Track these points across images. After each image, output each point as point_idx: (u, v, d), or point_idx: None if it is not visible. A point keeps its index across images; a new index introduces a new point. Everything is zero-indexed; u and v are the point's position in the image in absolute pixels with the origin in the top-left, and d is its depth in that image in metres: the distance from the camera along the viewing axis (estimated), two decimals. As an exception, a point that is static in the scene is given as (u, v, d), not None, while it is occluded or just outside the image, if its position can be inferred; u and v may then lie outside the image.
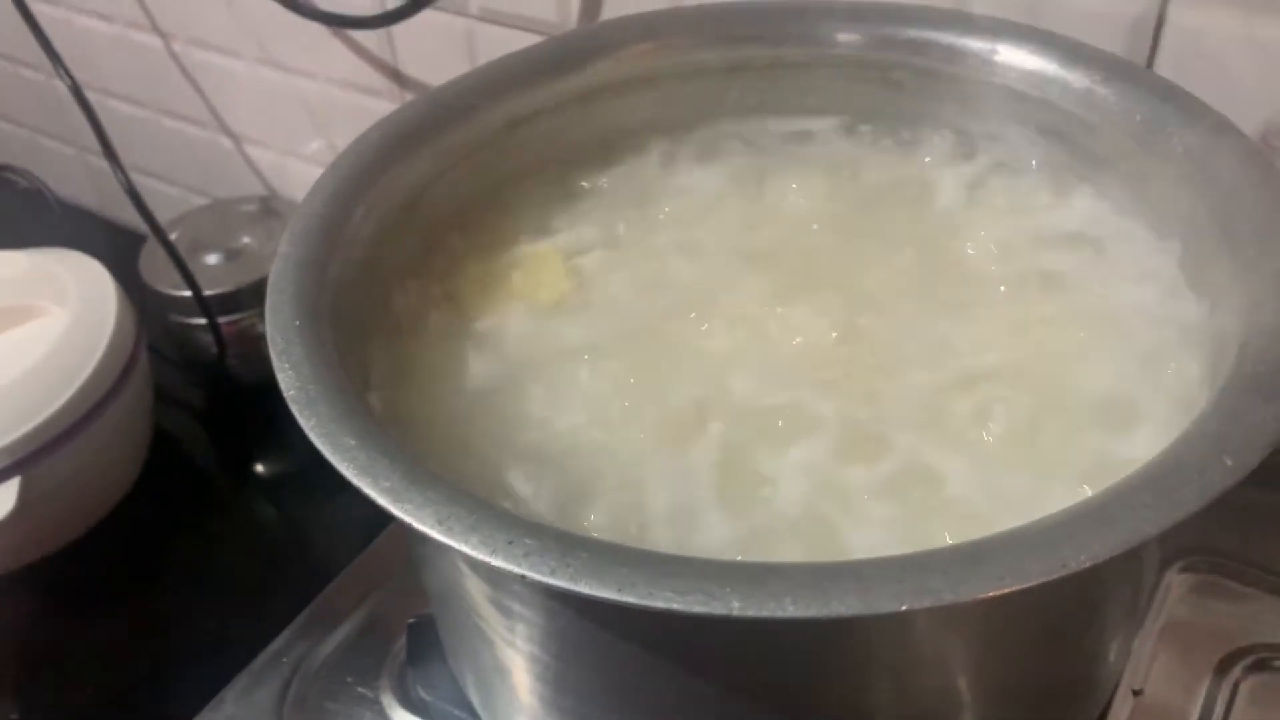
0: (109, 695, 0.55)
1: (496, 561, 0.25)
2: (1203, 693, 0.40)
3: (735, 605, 0.23)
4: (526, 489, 0.33)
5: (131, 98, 0.83)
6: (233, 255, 0.70)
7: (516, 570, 0.25)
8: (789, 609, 0.23)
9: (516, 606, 0.31)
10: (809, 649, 0.28)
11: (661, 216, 0.42)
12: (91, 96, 0.66)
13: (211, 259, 0.70)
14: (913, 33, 0.42)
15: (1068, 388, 0.34)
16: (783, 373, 0.36)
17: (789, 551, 0.31)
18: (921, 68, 0.43)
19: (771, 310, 0.38)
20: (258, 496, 0.68)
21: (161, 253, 0.65)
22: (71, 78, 0.65)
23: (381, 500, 0.27)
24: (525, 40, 0.55)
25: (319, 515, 0.63)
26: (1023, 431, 0.33)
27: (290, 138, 0.75)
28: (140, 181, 0.68)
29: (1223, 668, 0.41)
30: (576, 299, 0.40)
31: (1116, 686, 0.40)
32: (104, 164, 0.66)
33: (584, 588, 0.24)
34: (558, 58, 0.44)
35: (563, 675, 0.32)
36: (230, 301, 0.68)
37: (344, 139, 0.39)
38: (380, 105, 0.67)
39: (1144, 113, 0.38)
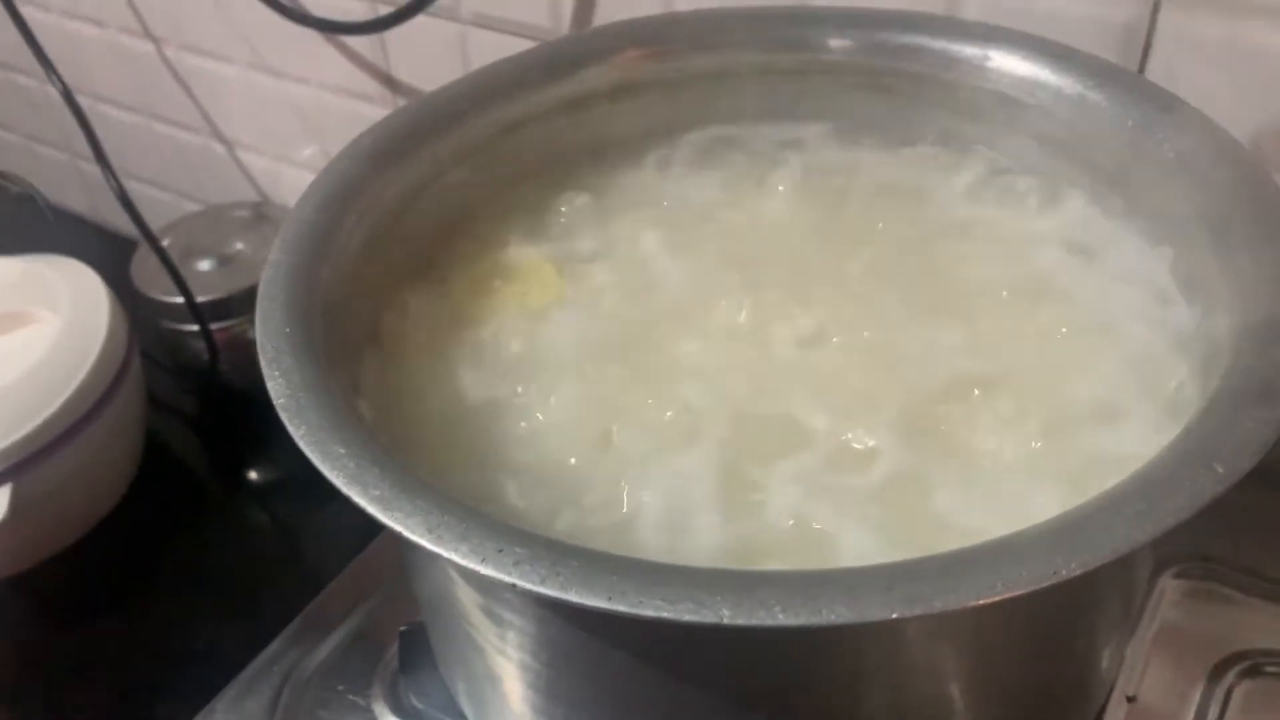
0: (101, 703, 0.55)
1: (486, 570, 0.25)
2: (1196, 698, 0.40)
3: (725, 614, 0.23)
4: (517, 496, 0.33)
5: (124, 103, 0.83)
6: (225, 261, 0.70)
7: (507, 579, 0.25)
8: (779, 617, 0.23)
9: (507, 614, 0.31)
10: (800, 657, 0.28)
11: (654, 222, 0.42)
12: (84, 102, 0.66)
13: (204, 265, 0.70)
14: (905, 39, 0.43)
15: (1059, 394, 0.34)
16: (776, 379, 0.36)
17: (780, 560, 0.31)
18: (914, 73, 0.43)
19: (764, 316, 0.38)
20: (250, 503, 0.67)
21: (154, 259, 0.65)
22: (63, 83, 0.65)
23: (371, 509, 0.27)
24: (518, 46, 0.54)
25: (311, 522, 0.63)
26: (1014, 438, 0.33)
27: (283, 143, 0.75)
28: (132, 187, 0.68)
29: (1216, 673, 0.41)
30: (568, 305, 0.39)
31: (1110, 693, 0.40)
32: (96, 170, 0.66)
33: (574, 596, 0.24)
34: (550, 64, 0.44)
35: (554, 683, 0.32)
36: (222, 308, 0.68)
37: (337, 145, 0.39)
38: (373, 111, 0.67)
39: (1136, 118, 0.38)
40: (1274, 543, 0.45)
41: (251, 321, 0.33)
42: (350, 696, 0.44)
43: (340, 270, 0.36)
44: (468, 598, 0.32)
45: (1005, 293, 0.38)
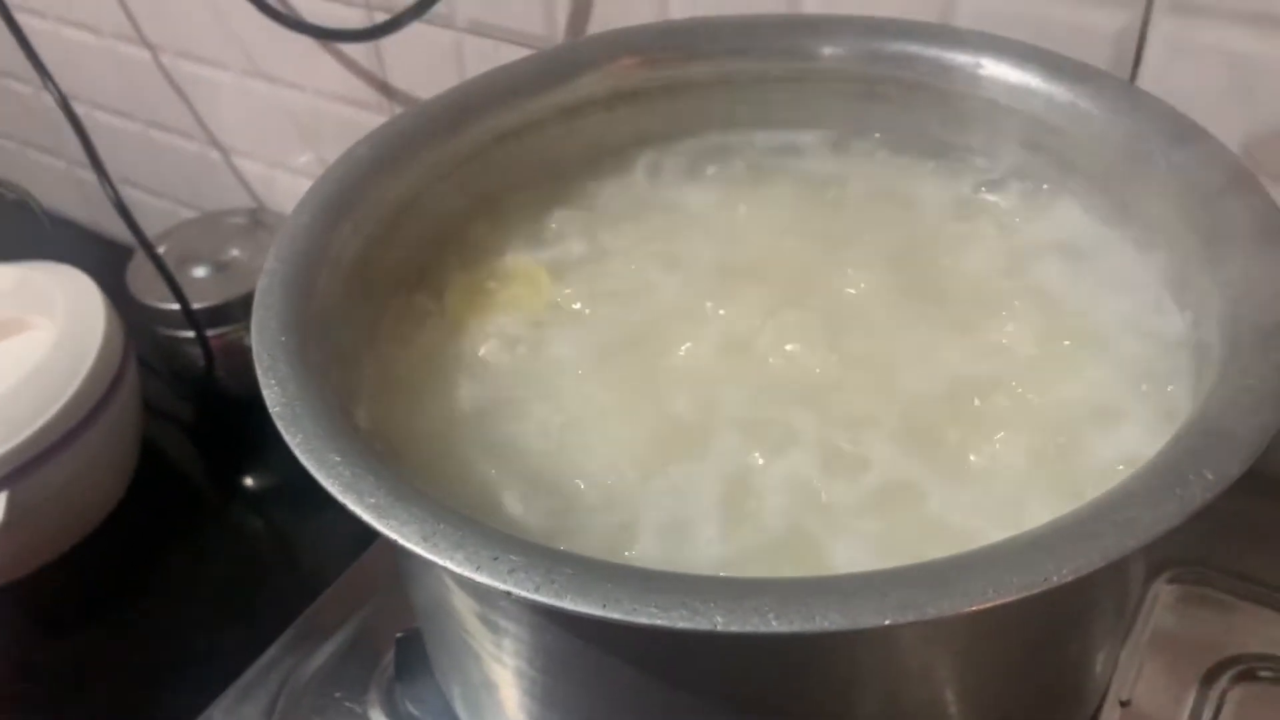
0: (97, 709, 0.55)
1: (481, 578, 0.25)
2: (1190, 703, 0.40)
3: (719, 621, 0.23)
4: (514, 504, 0.33)
5: (119, 110, 0.83)
6: (221, 268, 0.70)
7: (502, 586, 0.25)
8: (772, 624, 0.23)
9: (503, 622, 0.31)
10: (794, 663, 0.28)
11: (648, 230, 0.42)
12: (79, 109, 0.66)
13: (200, 272, 0.70)
14: (898, 47, 0.43)
15: (1052, 400, 0.34)
16: (770, 387, 0.36)
17: (775, 567, 0.31)
18: (907, 81, 0.43)
19: (758, 324, 0.38)
20: (246, 510, 0.68)
21: (149, 266, 0.65)
22: (59, 90, 0.65)
23: (367, 516, 0.27)
24: (513, 53, 0.55)
25: (307, 528, 0.63)
26: (1006, 444, 0.33)
27: (279, 150, 0.75)
28: (128, 194, 0.68)
29: (1210, 678, 0.41)
30: (563, 313, 0.40)
31: (1104, 697, 0.40)
32: (92, 176, 0.66)
33: (569, 603, 0.24)
34: (545, 72, 0.44)
35: (550, 690, 0.32)
36: (218, 314, 0.68)
37: (332, 151, 0.40)
38: (369, 118, 0.67)
39: (1127, 126, 0.38)
40: (1267, 547, 0.45)
41: (247, 328, 0.33)
42: (346, 703, 0.44)
43: (336, 278, 0.36)
44: (463, 605, 0.32)
45: (999, 300, 0.38)
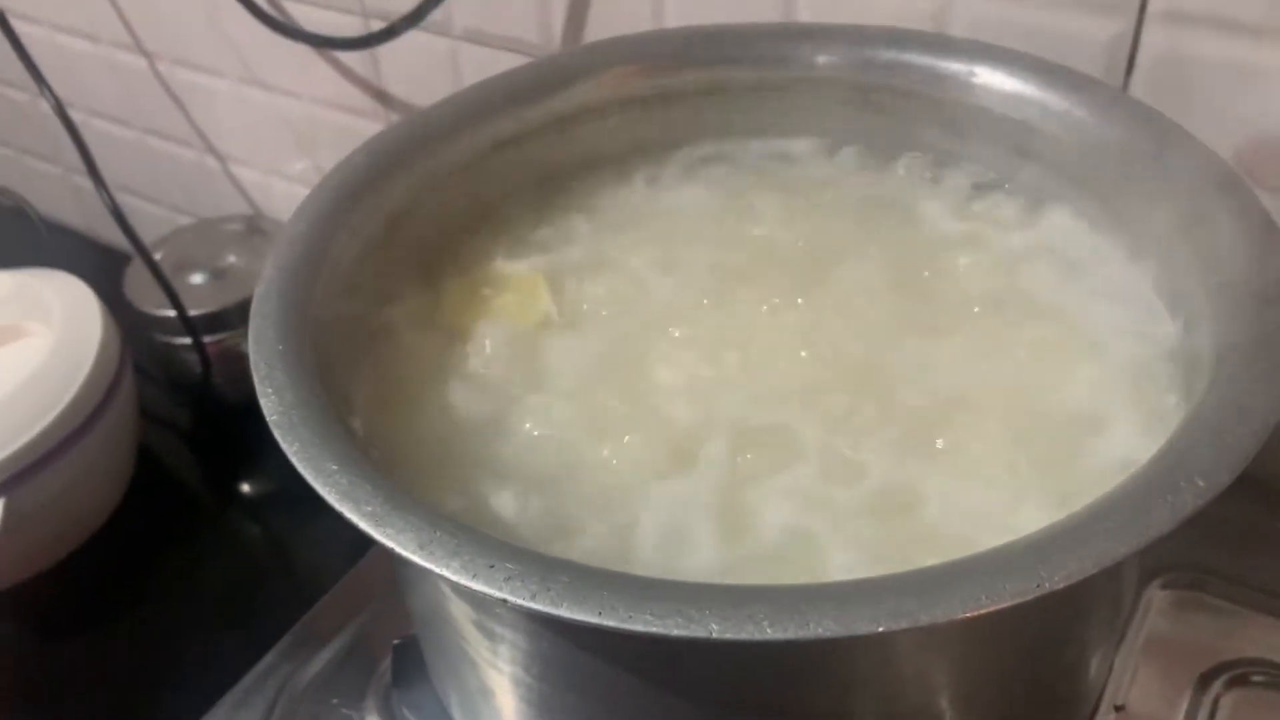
0: (94, 716, 0.55)
1: (477, 586, 0.25)
2: (1184, 708, 0.40)
3: (714, 628, 0.24)
4: (510, 511, 0.33)
5: (116, 117, 0.83)
6: (218, 275, 0.70)
7: (498, 594, 0.25)
8: (767, 631, 0.23)
9: (499, 629, 0.31)
10: (789, 670, 0.28)
11: (644, 237, 0.43)
12: (76, 116, 0.67)
13: (196, 279, 0.70)
14: (892, 55, 0.43)
15: (1045, 407, 0.34)
16: (766, 394, 0.36)
17: (772, 573, 0.31)
18: (901, 89, 0.43)
19: (754, 330, 0.38)
20: (243, 516, 0.68)
21: (146, 272, 0.65)
22: (56, 97, 0.65)
23: (364, 525, 0.27)
24: (509, 61, 0.55)
25: (304, 535, 0.63)
26: (999, 451, 0.33)
27: (275, 157, 0.75)
28: (125, 201, 0.68)
29: (1204, 683, 0.41)
30: (560, 320, 0.40)
31: (1099, 702, 0.40)
32: (88, 183, 0.66)
33: (564, 611, 0.25)
34: (541, 80, 0.44)
35: (546, 697, 0.32)
36: (215, 321, 0.68)
37: (329, 159, 0.40)
38: (365, 125, 0.67)
39: (1119, 134, 0.38)
40: (1261, 552, 0.45)
41: (244, 335, 0.33)
42: (344, 710, 0.44)
43: (333, 287, 0.36)
44: (460, 612, 0.32)
45: (993, 306, 0.38)
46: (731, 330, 0.38)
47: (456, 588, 0.27)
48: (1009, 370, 0.36)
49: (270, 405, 0.30)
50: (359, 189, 0.39)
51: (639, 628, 0.24)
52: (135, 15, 0.75)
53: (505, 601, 0.25)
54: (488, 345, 0.39)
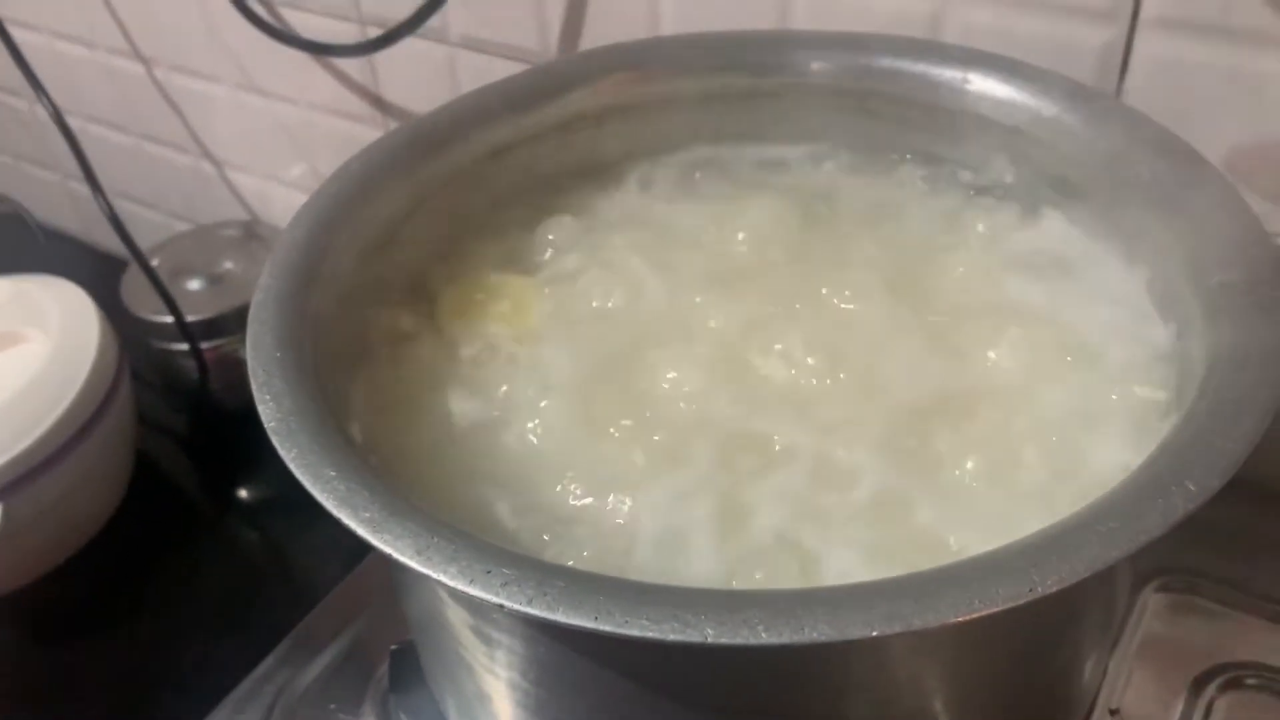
0: (92, 722, 0.55)
1: (474, 591, 0.25)
2: (1178, 711, 0.40)
3: (709, 633, 0.24)
4: (506, 517, 0.33)
5: (113, 123, 0.83)
6: (215, 280, 0.70)
7: (494, 599, 0.25)
8: (762, 636, 0.24)
9: (496, 634, 0.31)
10: (785, 674, 0.28)
11: (639, 242, 0.43)
12: (73, 122, 0.67)
13: (194, 284, 0.70)
14: (886, 62, 0.43)
15: (1037, 411, 0.35)
16: (761, 399, 0.36)
17: (767, 578, 0.31)
18: (895, 96, 0.43)
19: (749, 336, 0.38)
20: (240, 522, 0.68)
21: (143, 278, 0.65)
22: (53, 104, 0.65)
23: (361, 531, 0.27)
24: (506, 68, 0.55)
25: (302, 541, 0.64)
26: (992, 456, 0.33)
27: (272, 163, 0.76)
28: (122, 207, 0.68)
29: (1198, 686, 0.41)
30: (555, 326, 0.40)
31: (1093, 705, 0.40)
32: (86, 189, 0.66)
33: (561, 616, 0.25)
34: (537, 87, 0.45)
35: (543, 702, 0.32)
36: (213, 327, 0.68)
37: (326, 164, 0.40)
38: (362, 131, 0.67)
39: (1112, 140, 0.38)
40: (1255, 556, 0.45)
41: (241, 341, 0.33)
42: (341, 715, 0.44)
43: (330, 293, 0.36)
44: (457, 618, 0.32)
45: (986, 311, 0.38)
46: (726, 336, 0.38)
47: (453, 593, 0.27)
48: (1002, 374, 0.36)
49: (268, 412, 0.30)
50: (356, 196, 0.39)
51: (635, 632, 0.24)
52: (132, 22, 0.75)
53: (502, 606, 0.25)
54: (484, 351, 0.39)
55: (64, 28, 0.79)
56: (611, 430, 0.36)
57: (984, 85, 0.42)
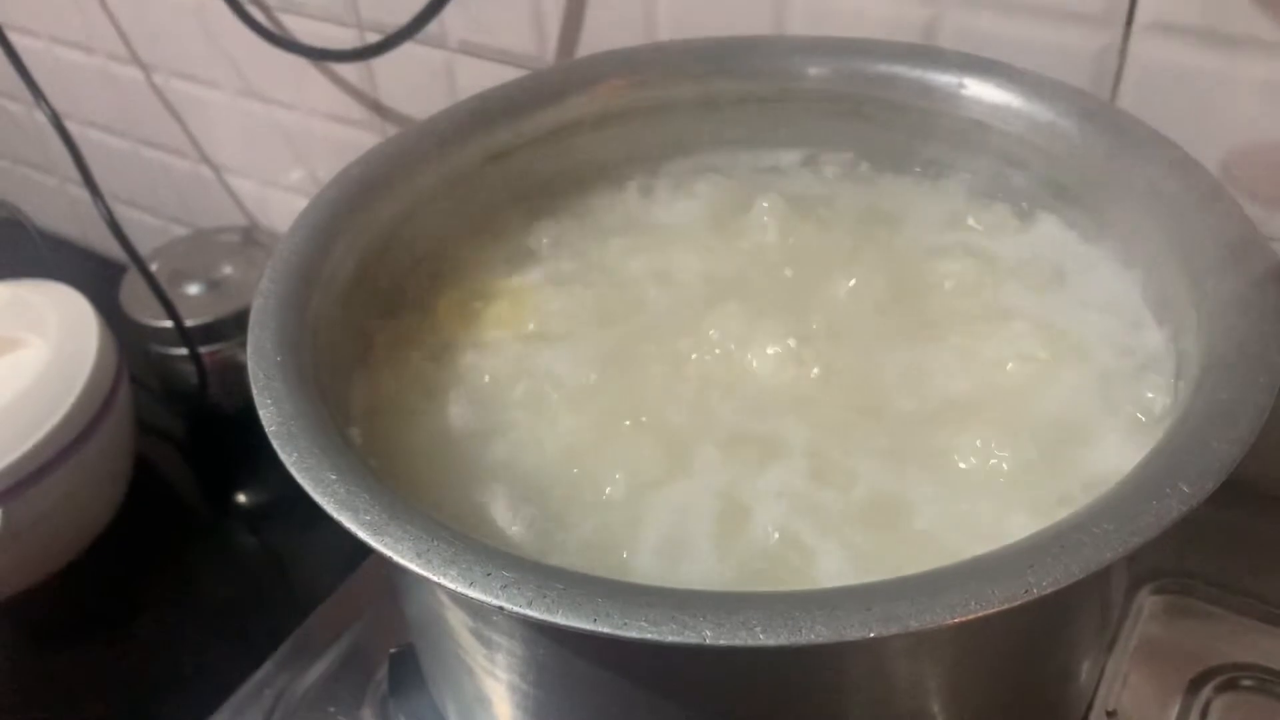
0: (91, 726, 0.55)
1: (474, 593, 0.26)
2: (1175, 712, 0.41)
3: (708, 634, 0.24)
4: (506, 520, 0.33)
5: (112, 128, 0.83)
6: (214, 285, 0.71)
7: (494, 602, 0.25)
8: (760, 637, 0.24)
9: (496, 637, 0.31)
10: (782, 675, 0.29)
11: (637, 247, 0.43)
12: (72, 127, 0.67)
13: (193, 289, 0.70)
14: (882, 68, 0.43)
15: (1033, 414, 0.35)
16: (757, 402, 0.37)
17: (767, 579, 0.31)
18: (891, 101, 0.44)
19: (745, 340, 0.38)
20: (239, 526, 0.68)
21: (142, 283, 0.65)
22: (52, 109, 0.65)
23: (362, 534, 0.27)
24: (504, 73, 0.55)
25: (301, 545, 0.64)
26: (990, 458, 0.34)
27: (271, 168, 0.76)
28: (121, 212, 0.68)
29: (1194, 687, 0.41)
30: (554, 330, 0.40)
31: (1091, 706, 0.40)
32: (85, 194, 0.66)
33: (560, 618, 0.25)
34: (535, 93, 0.45)
35: (543, 704, 0.32)
36: (211, 331, 0.68)
37: (325, 169, 0.40)
38: (361, 136, 0.67)
39: (1106, 145, 0.39)
40: (1251, 558, 0.45)
41: (240, 345, 0.33)
42: (341, 719, 0.44)
43: (330, 298, 0.37)
44: (457, 620, 0.32)
45: (982, 315, 0.39)
46: (724, 339, 0.39)
47: (454, 595, 0.27)
48: (998, 378, 0.36)
49: (269, 416, 0.30)
50: (355, 201, 0.39)
51: (634, 634, 0.24)
52: (131, 27, 0.75)
53: (502, 609, 0.25)
54: (482, 354, 0.39)
55: (63, 33, 0.79)
56: (610, 433, 0.36)
57: (980, 90, 0.42)
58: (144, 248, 0.67)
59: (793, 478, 0.34)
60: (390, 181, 0.40)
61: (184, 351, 0.67)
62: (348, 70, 0.66)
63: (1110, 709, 0.40)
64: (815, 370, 0.37)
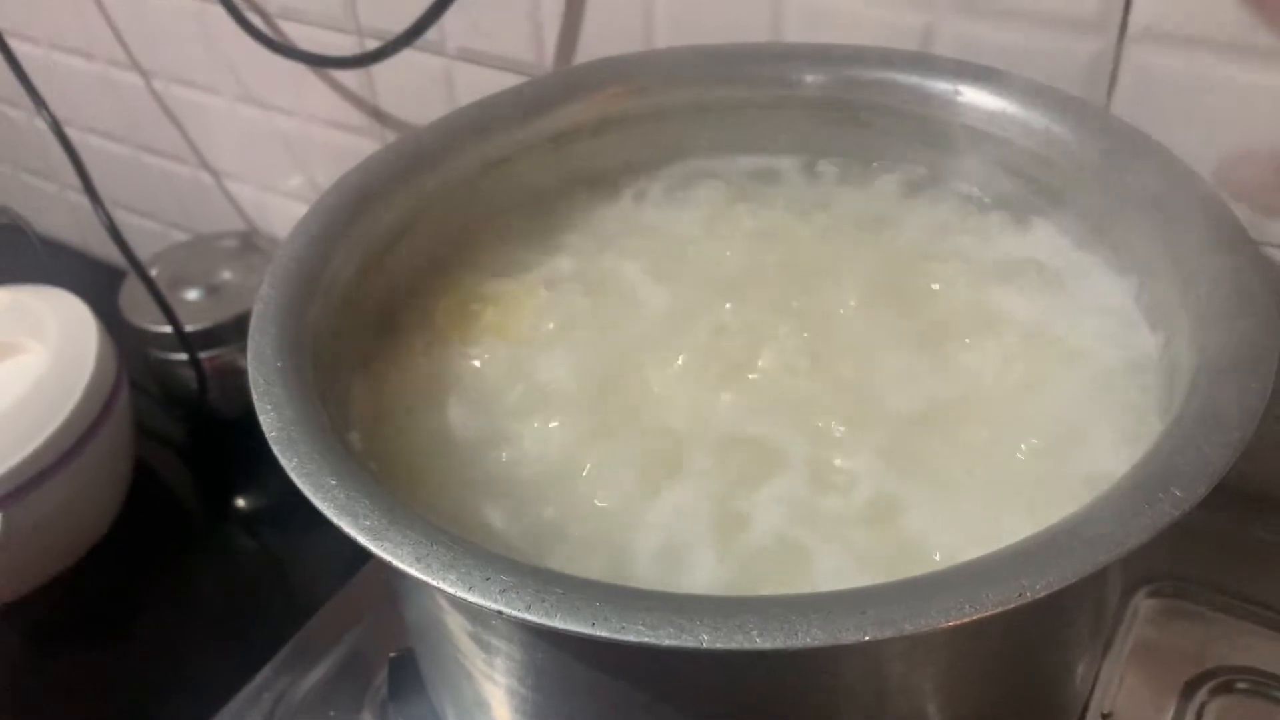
0: (90, 731, 0.55)
1: (473, 598, 0.26)
2: (1170, 714, 0.41)
3: (704, 638, 0.24)
4: (505, 524, 0.34)
5: (112, 134, 0.83)
6: (213, 290, 0.71)
7: (493, 606, 0.26)
8: (756, 641, 0.24)
9: (495, 641, 0.31)
10: (779, 678, 0.29)
11: (634, 252, 0.43)
12: (72, 134, 0.67)
13: (192, 294, 0.70)
14: (878, 74, 0.44)
15: (1028, 418, 0.35)
16: (754, 406, 0.37)
17: (768, 583, 0.32)
18: (887, 107, 0.44)
19: (743, 344, 0.39)
20: (239, 531, 0.68)
21: (142, 288, 0.65)
22: (52, 115, 0.65)
23: (361, 539, 0.27)
24: (502, 79, 0.56)
25: (300, 549, 0.64)
26: (985, 462, 0.34)
27: (270, 174, 0.76)
28: (121, 217, 0.68)
29: (1189, 690, 0.41)
30: (551, 335, 0.40)
31: (1086, 709, 0.40)
32: (84, 200, 0.66)
33: (558, 622, 0.25)
34: (534, 100, 0.45)
35: (541, 708, 0.32)
36: (211, 337, 0.68)
37: (324, 175, 0.40)
38: (360, 142, 0.68)
39: (1101, 151, 0.39)
40: (1246, 562, 0.46)
41: (240, 350, 0.33)
42: (340, 723, 0.44)
43: (329, 304, 0.37)
44: (456, 624, 0.33)
45: (977, 320, 0.39)
46: (721, 344, 0.39)
47: (453, 600, 0.27)
48: (993, 382, 0.36)
49: (269, 421, 0.31)
50: (355, 207, 0.40)
51: (632, 638, 0.24)
52: (131, 34, 0.75)
53: (500, 613, 0.26)
54: (481, 360, 0.40)
55: (63, 39, 0.80)
56: (608, 438, 0.36)
57: (975, 97, 0.42)
58: (144, 253, 0.67)
59: (791, 481, 0.34)
60: (390, 188, 0.41)
61: (184, 357, 0.67)
62: (347, 76, 0.66)
63: (1106, 712, 0.40)
64: (813, 375, 0.37)
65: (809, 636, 0.24)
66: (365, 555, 0.28)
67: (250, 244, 0.75)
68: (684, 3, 0.51)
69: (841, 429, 0.35)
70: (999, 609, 0.24)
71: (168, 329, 0.66)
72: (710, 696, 0.30)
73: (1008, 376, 0.37)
